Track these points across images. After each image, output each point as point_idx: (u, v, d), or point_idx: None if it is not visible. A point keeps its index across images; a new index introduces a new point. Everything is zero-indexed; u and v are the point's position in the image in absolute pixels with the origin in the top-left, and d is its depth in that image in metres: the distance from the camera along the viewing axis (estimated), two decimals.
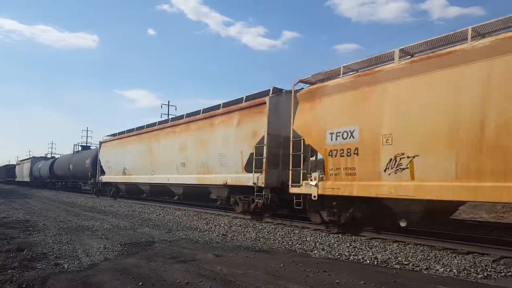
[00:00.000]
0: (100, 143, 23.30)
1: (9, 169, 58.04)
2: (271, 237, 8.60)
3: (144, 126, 18.68)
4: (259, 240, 8.32)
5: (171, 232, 9.12)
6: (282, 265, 5.75)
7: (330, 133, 8.60)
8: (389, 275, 5.31)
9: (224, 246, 7.45)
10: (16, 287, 4.46)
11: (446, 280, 5.14)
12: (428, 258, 6.41)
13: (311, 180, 8.98)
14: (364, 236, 8.58)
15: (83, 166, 25.80)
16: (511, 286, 4.93)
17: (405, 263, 6.11)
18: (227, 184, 12.05)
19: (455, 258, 6.37)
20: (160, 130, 16.75)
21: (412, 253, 6.80)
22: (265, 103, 10.89)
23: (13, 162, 75.14)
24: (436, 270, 5.68)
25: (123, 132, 20.87)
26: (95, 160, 23.58)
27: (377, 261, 6.28)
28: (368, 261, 6.31)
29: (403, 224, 7.60)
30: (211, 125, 13.22)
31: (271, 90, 11.22)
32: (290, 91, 10.12)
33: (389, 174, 7.43)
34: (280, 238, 8.46)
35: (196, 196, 15.37)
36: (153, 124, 17.89)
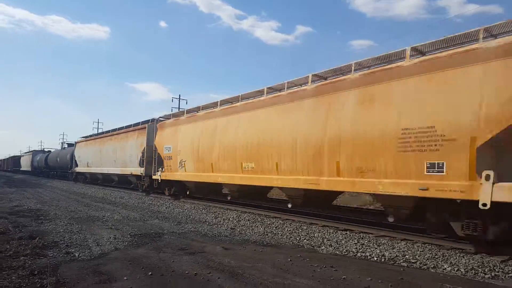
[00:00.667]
0: (75, 143, 31.83)
1: (15, 160, 66.29)
2: (279, 232, 8.66)
3: (102, 132, 28.55)
4: (267, 234, 8.39)
5: (180, 225, 9.24)
6: (289, 259, 5.81)
7: (165, 147, 16.14)
8: (396, 273, 5.33)
9: (233, 240, 7.52)
10: (28, 273, 4.59)
11: (453, 279, 5.14)
12: (436, 257, 6.40)
13: (159, 171, 16.76)
14: (372, 233, 8.58)
15: (66, 159, 34.00)
16: None
17: (413, 261, 6.11)
18: (132, 173, 19.82)
19: (463, 257, 6.35)
20: (105, 137, 25.10)
21: (420, 251, 6.79)
22: (145, 128, 18.84)
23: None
24: (444, 269, 5.68)
25: (89, 136, 29.85)
26: (72, 156, 31.50)
27: (385, 259, 6.29)
28: (375, 258, 6.32)
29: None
30: (126, 137, 21.21)
31: (150, 120, 18.92)
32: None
33: (179, 169, 15.06)
34: (288, 233, 8.51)
35: (123, 181, 22.56)
36: (103, 133, 27.77)
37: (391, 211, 8.02)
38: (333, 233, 8.66)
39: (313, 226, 9.57)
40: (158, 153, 16.71)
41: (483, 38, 6.45)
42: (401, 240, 7.82)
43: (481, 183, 6.00)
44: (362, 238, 8.01)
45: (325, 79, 9.60)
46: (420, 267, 5.83)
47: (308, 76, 9.79)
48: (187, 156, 14.36)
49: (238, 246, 6.82)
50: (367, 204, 13.89)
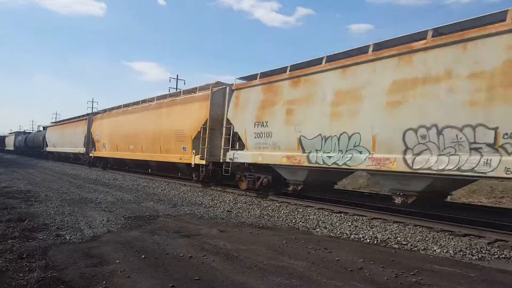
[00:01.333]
0: (47, 127, 39.35)
1: (1, 140, 71.82)
2: (275, 215, 8.73)
3: (64, 119, 35.71)
4: (263, 217, 8.45)
5: (176, 207, 9.25)
6: (284, 241, 5.86)
7: (96, 133, 24.07)
8: (388, 254, 5.42)
9: (229, 222, 7.56)
10: (16, 256, 4.46)
11: (442, 260, 5.24)
12: (426, 239, 6.52)
13: (92, 151, 24.30)
14: (365, 216, 8.69)
15: (40, 140, 40.81)
16: (504, 267, 5.03)
17: (404, 243, 6.21)
18: (80, 152, 27.35)
19: (452, 239, 6.48)
20: (65, 124, 32.70)
21: (411, 233, 6.90)
22: (87, 119, 26.63)
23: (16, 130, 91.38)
24: (433, 251, 5.79)
25: (55, 122, 37.74)
26: (44, 138, 38.21)
27: (377, 241, 6.39)
28: (368, 240, 6.42)
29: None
30: (76, 125, 28.97)
31: (91, 113, 26.91)
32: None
33: (102, 149, 23.62)
34: (284, 216, 8.58)
35: (76, 158, 29.50)
36: (65, 120, 35.02)
37: (178, 169, 16.27)
38: (328, 215, 8.75)
39: (309, 209, 9.66)
40: (92, 138, 24.90)
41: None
42: (393, 223, 7.94)
43: (193, 155, 13.97)
44: (356, 221, 8.11)
45: (165, 97, 17.92)
46: (411, 248, 5.94)
47: (155, 96, 18.72)
48: (106, 140, 22.80)
49: (234, 229, 6.86)
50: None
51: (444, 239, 6.49)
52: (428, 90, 7.29)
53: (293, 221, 8.04)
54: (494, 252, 5.75)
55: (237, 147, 12.41)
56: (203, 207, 9.51)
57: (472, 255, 5.56)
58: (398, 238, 6.51)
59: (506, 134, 6.24)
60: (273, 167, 10.99)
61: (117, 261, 4.51)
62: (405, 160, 7.59)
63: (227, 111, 12.75)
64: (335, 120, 8.97)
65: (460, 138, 6.78)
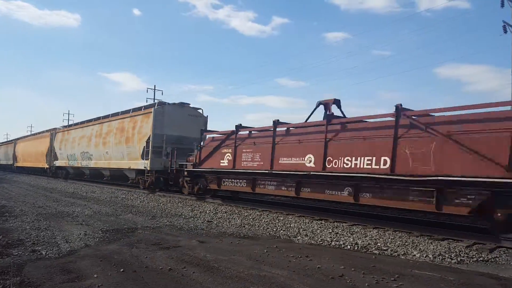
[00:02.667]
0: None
1: None
2: (256, 224, 8.68)
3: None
4: (244, 226, 8.39)
5: (155, 219, 9.08)
6: (266, 250, 5.82)
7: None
8: (369, 260, 5.45)
9: (209, 233, 7.47)
10: None
11: (422, 265, 5.31)
12: (406, 244, 6.61)
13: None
14: (346, 222, 8.75)
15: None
16: (482, 270, 5.14)
17: (384, 248, 6.28)
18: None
19: (431, 244, 6.58)
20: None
21: (391, 239, 6.98)
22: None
23: None
24: (413, 256, 5.87)
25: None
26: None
27: (358, 247, 6.43)
28: (349, 247, 6.45)
29: None
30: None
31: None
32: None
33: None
34: (265, 225, 8.55)
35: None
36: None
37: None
38: (308, 223, 8.77)
39: (290, 217, 9.65)
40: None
41: None
42: (373, 228, 8.02)
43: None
44: (337, 227, 8.15)
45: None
46: (391, 254, 6.00)
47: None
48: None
49: (215, 239, 6.78)
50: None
51: (423, 244, 6.59)
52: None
53: (274, 229, 8.02)
54: (473, 255, 5.87)
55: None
56: (182, 218, 9.38)
57: (451, 259, 5.66)
58: (378, 244, 6.57)
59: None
60: None
61: (95, 276, 4.38)
62: None
63: (54, 141, 29.75)
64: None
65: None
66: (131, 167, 17.98)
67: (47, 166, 29.50)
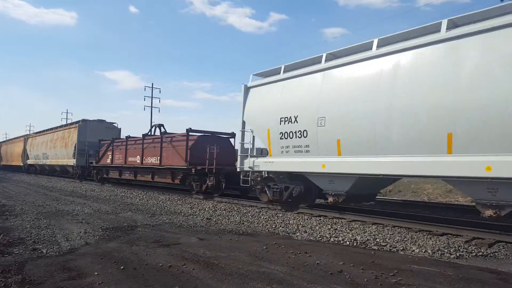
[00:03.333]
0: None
1: None
2: (255, 221, 8.70)
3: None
4: (243, 223, 8.41)
5: (154, 217, 9.10)
6: (265, 247, 5.85)
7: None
8: (368, 256, 5.48)
9: (208, 230, 7.49)
10: None
11: (421, 260, 5.34)
12: (405, 239, 6.63)
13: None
14: (344, 218, 8.78)
15: None
16: (482, 265, 5.16)
17: (383, 244, 6.30)
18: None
19: (430, 239, 6.61)
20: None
21: (390, 234, 7.01)
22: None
23: None
24: (412, 251, 5.89)
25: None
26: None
27: (357, 243, 6.45)
28: (348, 243, 6.48)
29: None
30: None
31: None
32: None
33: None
34: (264, 221, 8.57)
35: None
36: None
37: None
38: (307, 219, 8.79)
39: (288, 213, 9.68)
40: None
41: None
42: (372, 224, 8.05)
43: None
44: (335, 224, 8.18)
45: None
46: (390, 249, 6.02)
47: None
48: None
49: (214, 236, 6.80)
50: None
51: (422, 239, 6.62)
52: None
53: (273, 226, 8.05)
54: (472, 250, 5.89)
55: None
56: (182, 216, 9.40)
57: (450, 254, 5.68)
58: (377, 240, 6.59)
59: None
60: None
61: (96, 273, 4.40)
62: None
63: (27, 144, 37.65)
64: None
65: None
66: (68, 164, 26.32)
67: (22, 164, 38.03)
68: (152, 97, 44.28)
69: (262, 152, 11.22)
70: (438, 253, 5.73)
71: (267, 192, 10.87)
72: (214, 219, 8.91)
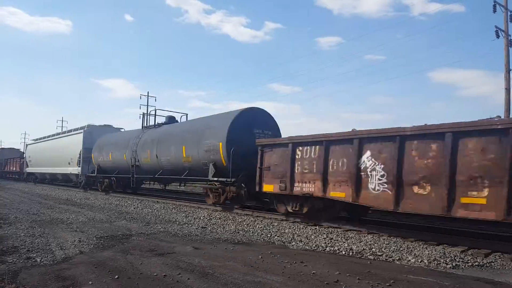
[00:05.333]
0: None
1: None
2: (251, 230, 8.67)
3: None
4: (239, 232, 8.37)
5: (149, 225, 9.04)
6: (260, 256, 5.81)
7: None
8: (364, 266, 5.46)
9: (203, 239, 7.45)
10: None
11: (417, 270, 5.33)
12: (401, 249, 6.63)
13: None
14: (340, 228, 8.76)
15: None
16: (478, 275, 5.16)
17: (379, 254, 6.29)
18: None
19: (426, 249, 6.61)
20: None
21: (386, 244, 7.00)
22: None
23: None
24: (408, 261, 5.88)
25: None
26: None
27: (352, 252, 6.44)
28: (343, 252, 6.46)
29: None
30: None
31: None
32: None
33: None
34: (259, 231, 8.53)
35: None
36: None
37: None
38: (303, 228, 8.77)
39: (284, 223, 9.65)
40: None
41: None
42: (368, 234, 8.04)
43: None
44: (331, 233, 8.16)
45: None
46: (386, 259, 6.01)
47: None
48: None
49: (209, 245, 6.76)
50: None
51: (418, 249, 6.62)
52: None
53: (269, 235, 8.01)
54: (468, 260, 5.89)
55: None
56: (177, 224, 9.35)
57: (447, 264, 5.68)
58: (373, 249, 6.58)
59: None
60: None
61: (90, 283, 4.36)
62: None
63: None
64: None
65: None
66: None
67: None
68: (147, 105, 44.04)
69: None
70: (434, 263, 5.72)
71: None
72: (209, 228, 8.87)
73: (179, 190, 21.68)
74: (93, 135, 22.73)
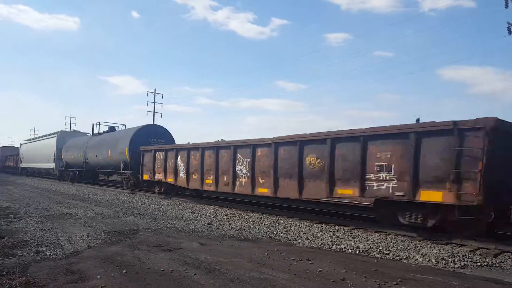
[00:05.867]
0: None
1: None
2: (256, 227, 8.68)
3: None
4: (245, 229, 8.39)
5: (156, 221, 9.11)
6: (266, 253, 5.82)
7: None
8: (370, 264, 5.44)
9: (210, 235, 7.48)
10: None
11: (425, 269, 5.29)
12: (408, 248, 6.58)
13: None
14: (346, 226, 8.73)
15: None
16: (487, 275, 5.11)
17: (386, 252, 6.26)
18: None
19: (434, 248, 6.55)
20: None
21: (393, 243, 6.96)
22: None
23: None
24: (416, 260, 5.84)
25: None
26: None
27: (359, 251, 6.41)
28: (350, 250, 6.44)
29: None
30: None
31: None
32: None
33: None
34: (265, 228, 8.54)
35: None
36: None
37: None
38: (309, 226, 8.76)
39: (290, 220, 9.65)
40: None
41: None
42: (374, 232, 7.99)
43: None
44: (337, 231, 8.14)
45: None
46: (393, 258, 5.98)
47: None
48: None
49: (215, 241, 6.79)
50: None
51: (426, 248, 6.56)
52: None
53: (274, 232, 8.02)
54: (476, 260, 5.83)
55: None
56: (183, 221, 9.40)
57: (455, 263, 5.62)
58: (380, 248, 6.55)
59: None
60: None
61: (98, 277, 4.42)
62: None
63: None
64: None
65: None
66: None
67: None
68: (154, 102, 44.44)
69: None
70: (442, 263, 5.68)
71: None
72: (215, 225, 8.90)
73: (117, 179, 24.94)
74: (64, 139, 29.65)
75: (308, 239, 7.35)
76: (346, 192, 8.37)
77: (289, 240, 7.25)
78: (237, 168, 11.42)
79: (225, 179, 11.90)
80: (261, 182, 10.65)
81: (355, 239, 7.27)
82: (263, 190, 10.55)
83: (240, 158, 11.41)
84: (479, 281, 4.78)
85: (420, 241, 7.17)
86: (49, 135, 33.88)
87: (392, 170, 7.58)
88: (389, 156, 7.65)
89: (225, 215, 10.44)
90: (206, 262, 5.20)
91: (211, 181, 12.44)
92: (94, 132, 25.68)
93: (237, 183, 11.42)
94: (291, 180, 9.65)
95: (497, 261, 5.80)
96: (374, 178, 7.84)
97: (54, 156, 29.59)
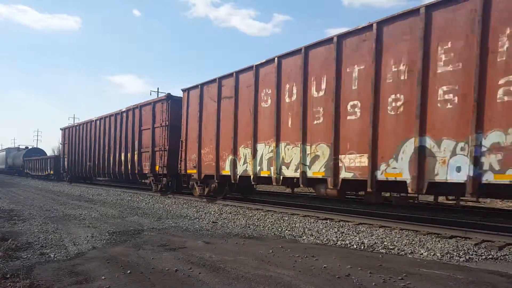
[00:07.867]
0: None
1: None
2: (261, 224, 8.67)
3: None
4: (249, 227, 8.39)
5: (160, 220, 9.12)
6: (271, 251, 5.82)
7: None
8: (375, 259, 5.42)
9: (214, 234, 7.48)
10: (0, 276, 4.39)
11: (430, 263, 5.27)
12: (413, 242, 6.56)
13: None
14: (351, 221, 8.72)
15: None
16: (492, 268, 5.08)
17: (391, 247, 6.24)
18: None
19: (439, 242, 6.54)
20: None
21: (398, 237, 6.94)
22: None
23: None
24: (421, 254, 5.82)
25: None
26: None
27: (364, 246, 6.40)
28: (355, 246, 6.42)
29: None
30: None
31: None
32: None
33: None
34: (269, 225, 8.54)
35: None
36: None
37: None
38: (313, 222, 8.75)
39: (294, 217, 9.64)
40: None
41: None
42: (379, 227, 7.98)
43: None
44: (342, 227, 8.13)
45: None
46: (398, 253, 5.96)
47: None
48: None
49: (220, 240, 6.78)
50: None
51: (430, 242, 6.55)
52: None
53: (279, 229, 8.01)
54: (481, 253, 5.81)
55: None
56: (188, 219, 9.40)
57: (460, 257, 5.61)
58: (385, 243, 6.53)
59: None
60: None
61: (103, 278, 4.41)
62: None
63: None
64: None
65: None
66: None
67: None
68: None
69: None
70: (447, 256, 5.66)
71: None
72: (220, 223, 8.90)
73: None
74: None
75: (313, 235, 7.34)
76: None
77: (294, 237, 7.25)
78: None
79: None
80: None
81: (359, 235, 7.26)
82: None
83: None
84: (484, 274, 4.76)
85: (425, 235, 7.15)
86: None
87: None
88: None
89: (230, 213, 10.45)
90: (210, 261, 5.20)
91: None
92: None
93: None
94: None
95: (502, 254, 5.78)
96: None
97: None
